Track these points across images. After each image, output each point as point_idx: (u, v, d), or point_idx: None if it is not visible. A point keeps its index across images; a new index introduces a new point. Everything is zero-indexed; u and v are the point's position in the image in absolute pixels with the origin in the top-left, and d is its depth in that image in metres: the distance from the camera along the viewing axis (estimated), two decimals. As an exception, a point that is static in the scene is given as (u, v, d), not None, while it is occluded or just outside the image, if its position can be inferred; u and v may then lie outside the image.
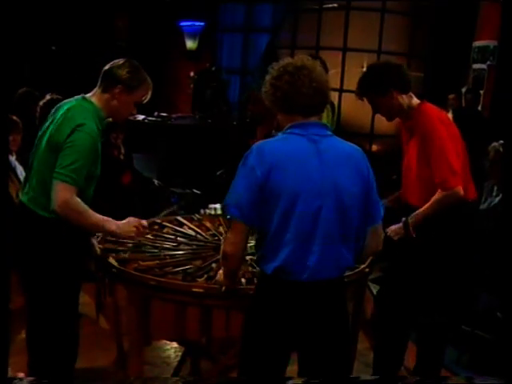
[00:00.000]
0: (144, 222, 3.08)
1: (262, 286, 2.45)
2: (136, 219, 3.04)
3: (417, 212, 3.29)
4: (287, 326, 2.39)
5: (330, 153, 2.37)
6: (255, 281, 2.83)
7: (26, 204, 3.00)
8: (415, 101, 3.37)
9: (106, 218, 2.95)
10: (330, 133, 2.45)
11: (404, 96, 3.33)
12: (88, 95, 3.06)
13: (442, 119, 3.34)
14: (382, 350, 3.58)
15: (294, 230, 2.30)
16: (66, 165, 2.82)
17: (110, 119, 3.84)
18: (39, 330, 3.18)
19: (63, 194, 2.81)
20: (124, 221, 3.00)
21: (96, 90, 3.06)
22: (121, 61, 3.04)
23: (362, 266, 3.06)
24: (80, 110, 2.98)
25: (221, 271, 2.67)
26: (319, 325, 2.39)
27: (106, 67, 3.05)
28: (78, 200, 2.84)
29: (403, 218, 3.31)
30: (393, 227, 3.36)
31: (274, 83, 2.40)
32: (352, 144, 2.51)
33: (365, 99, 3.42)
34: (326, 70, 4.93)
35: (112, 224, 2.94)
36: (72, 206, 2.82)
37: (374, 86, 3.32)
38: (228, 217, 2.44)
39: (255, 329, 2.45)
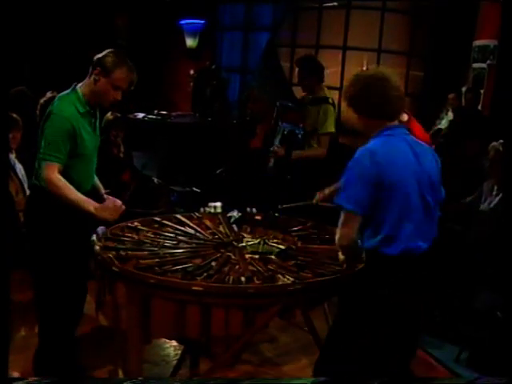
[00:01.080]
0: (119, 202, 3.30)
1: (388, 267, 2.73)
2: (113, 203, 3.28)
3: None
4: (416, 300, 2.76)
5: (418, 148, 2.79)
6: (255, 280, 2.84)
7: (33, 183, 3.35)
8: (404, 116, 3.55)
9: (86, 198, 3.23)
10: (407, 132, 2.87)
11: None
12: (79, 84, 3.35)
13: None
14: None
15: (410, 215, 2.69)
16: (44, 145, 3.18)
17: (111, 117, 3.91)
18: (45, 295, 3.39)
19: (46, 171, 3.15)
20: (102, 204, 3.27)
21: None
22: (108, 50, 3.33)
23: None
24: (60, 97, 3.32)
25: (341, 255, 3.02)
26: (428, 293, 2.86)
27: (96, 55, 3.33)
28: (59, 177, 3.16)
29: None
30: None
31: (366, 92, 2.77)
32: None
33: None
34: (323, 68, 4.94)
35: (90, 205, 3.21)
36: (54, 182, 3.15)
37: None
38: (345, 211, 2.71)
39: (392, 310, 2.72)
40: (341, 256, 3.05)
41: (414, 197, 2.70)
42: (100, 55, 3.31)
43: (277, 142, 4.86)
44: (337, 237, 2.77)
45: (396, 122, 2.85)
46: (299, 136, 4.85)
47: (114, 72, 3.25)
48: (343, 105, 3.03)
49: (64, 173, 3.20)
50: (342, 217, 2.72)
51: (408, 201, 2.69)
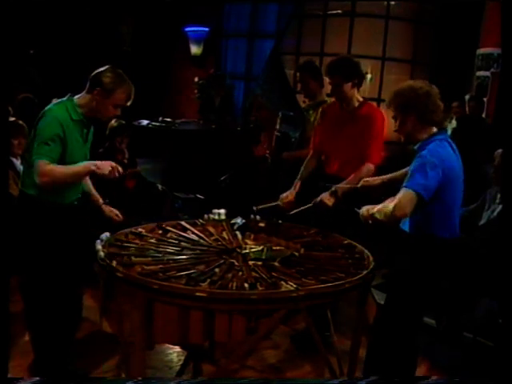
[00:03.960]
0: (119, 169, 3.39)
1: (441, 250, 3.25)
2: (113, 164, 3.37)
3: (343, 182, 3.99)
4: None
5: (456, 150, 3.29)
6: (258, 286, 2.85)
7: (21, 190, 3.45)
8: (359, 97, 4.23)
9: (82, 164, 3.34)
10: (448, 136, 3.34)
11: (356, 90, 4.18)
12: (76, 96, 3.42)
13: (382, 115, 4.16)
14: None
15: (458, 204, 3.32)
16: (37, 145, 3.25)
17: (116, 124, 3.98)
18: (37, 307, 3.47)
19: (40, 167, 3.21)
20: (101, 162, 3.35)
21: (84, 91, 3.42)
22: (105, 67, 3.38)
23: (365, 272, 3.08)
24: (55, 103, 3.40)
25: (370, 210, 3.22)
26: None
27: (93, 73, 3.39)
28: (51, 166, 3.22)
29: (333, 187, 3.91)
30: (324, 195, 3.88)
31: (426, 100, 3.17)
32: None
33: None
34: (322, 75, 4.98)
35: (91, 164, 3.32)
36: (49, 171, 3.21)
37: (348, 72, 4.09)
38: (412, 193, 3.05)
39: (432, 289, 3.30)
40: (369, 213, 3.24)
41: (460, 188, 3.28)
42: (98, 73, 3.36)
43: (272, 143, 5.20)
44: (392, 205, 3.06)
45: (435, 128, 3.26)
46: (292, 140, 5.03)
47: (114, 93, 3.32)
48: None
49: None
50: (408, 195, 3.05)
51: (459, 192, 3.27)
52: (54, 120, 3.27)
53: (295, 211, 3.92)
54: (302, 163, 4.45)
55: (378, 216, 3.16)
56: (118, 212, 3.73)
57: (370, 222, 3.28)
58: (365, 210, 3.28)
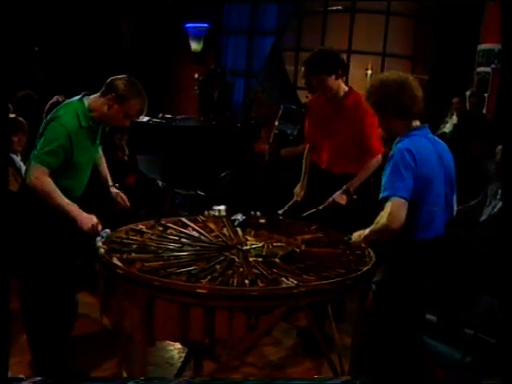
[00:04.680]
0: (99, 228, 3.30)
1: (416, 251, 3.05)
2: (95, 220, 3.30)
3: (354, 179, 3.95)
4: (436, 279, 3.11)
5: (439, 146, 3.10)
6: (259, 283, 2.84)
7: (24, 185, 3.41)
8: (345, 86, 4.10)
9: (71, 204, 3.28)
10: (429, 131, 3.13)
11: (340, 80, 4.05)
12: (89, 96, 3.39)
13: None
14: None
15: (439, 204, 3.05)
16: (39, 148, 3.25)
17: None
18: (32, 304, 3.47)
19: (35, 172, 3.24)
20: (87, 215, 3.29)
21: (98, 93, 3.38)
22: (124, 76, 3.37)
23: (366, 268, 3.07)
24: (65, 106, 3.37)
25: (362, 234, 3.15)
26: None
27: (111, 78, 3.38)
28: (49, 180, 3.23)
29: (344, 186, 3.91)
30: (336, 195, 3.89)
31: (398, 94, 2.98)
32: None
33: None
34: None
35: (75, 213, 3.27)
36: (40, 183, 3.22)
37: (329, 66, 3.94)
38: (394, 199, 2.89)
39: (416, 290, 3.07)
40: (361, 237, 3.17)
41: (441, 192, 3.04)
42: (115, 79, 3.35)
43: (270, 139, 5.17)
44: (385, 220, 2.89)
45: (418, 121, 3.07)
46: (290, 137, 5.03)
47: (129, 102, 3.30)
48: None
49: (55, 179, 3.26)
50: (396, 203, 2.88)
51: (438, 192, 3.02)
52: (62, 131, 3.25)
53: (308, 213, 3.93)
54: (301, 158, 4.45)
55: (373, 237, 3.08)
56: (125, 197, 3.72)
57: (364, 245, 3.25)
58: (356, 235, 3.23)
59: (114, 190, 3.74)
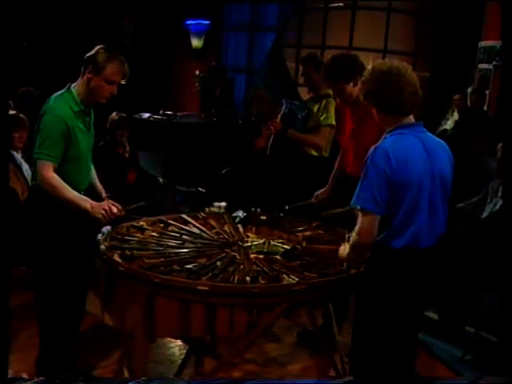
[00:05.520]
0: (114, 209, 3.32)
1: (391, 260, 2.81)
2: (109, 203, 3.33)
3: None
4: (417, 290, 2.87)
5: (432, 146, 2.83)
6: (260, 280, 2.84)
7: (33, 184, 3.42)
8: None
9: (82, 196, 3.31)
10: (425, 129, 2.88)
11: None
12: (73, 84, 3.40)
13: None
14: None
15: (419, 211, 2.77)
16: (39, 145, 3.25)
17: (116, 117, 3.94)
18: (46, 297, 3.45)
19: (41, 170, 3.23)
20: (98, 203, 3.31)
21: (79, 78, 3.40)
22: (96, 47, 3.37)
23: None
24: (54, 98, 3.36)
25: (345, 251, 2.93)
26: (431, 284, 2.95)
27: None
28: (55, 175, 3.23)
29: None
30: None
31: (381, 87, 2.77)
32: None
33: None
34: None
35: (86, 202, 3.27)
36: (49, 181, 3.22)
37: (349, 73, 3.79)
38: (364, 212, 2.74)
39: (393, 300, 2.83)
40: (344, 255, 2.96)
41: (423, 197, 2.77)
42: (90, 53, 3.35)
43: (278, 118, 5.01)
44: (356, 236, 2.77)
45: (411, 118, 2.84)
46: (299, 117, 4.92)
47: (105, 68, 3.29)
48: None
49: (60, 176, 3.25)
50: (362, 217, 2.75)
51: (418, 197, 2.75)
52: (56, 118, 3.26)
53: (327, 213, 3.82)
54: (301, 152, 4.41)
55: (352, 255, 2.91)
56: (119, 207, 3.69)
57: (345, 266, 3.06)
58: (341, 249, 3.02)
59: (107, 200, 3.69)
